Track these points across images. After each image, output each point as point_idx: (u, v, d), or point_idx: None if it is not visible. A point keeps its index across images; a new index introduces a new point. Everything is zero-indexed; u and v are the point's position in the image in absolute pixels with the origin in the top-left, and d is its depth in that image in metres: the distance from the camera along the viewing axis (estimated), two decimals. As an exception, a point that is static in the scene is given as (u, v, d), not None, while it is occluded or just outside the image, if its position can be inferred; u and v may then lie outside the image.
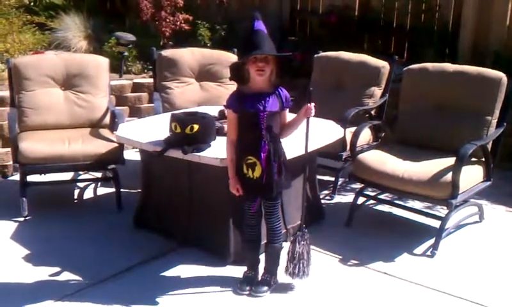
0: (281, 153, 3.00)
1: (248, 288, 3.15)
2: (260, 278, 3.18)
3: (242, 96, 2.93)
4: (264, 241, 3.24)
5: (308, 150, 3.47)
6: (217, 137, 3.42)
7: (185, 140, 3.26)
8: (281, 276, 3.21)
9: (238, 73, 2.91)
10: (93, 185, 4.62)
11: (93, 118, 4.45)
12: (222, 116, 3.83)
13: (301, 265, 3.10)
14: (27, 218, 3.97)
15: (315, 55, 5.00)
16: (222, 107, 4.02)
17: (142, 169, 3.86)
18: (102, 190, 4.54)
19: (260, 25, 2.87)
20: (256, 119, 2.89)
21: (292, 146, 3.16)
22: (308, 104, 2.96)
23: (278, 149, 2.98)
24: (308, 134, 3.04)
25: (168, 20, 6.19)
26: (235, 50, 4.91)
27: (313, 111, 2.97)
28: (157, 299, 3.09)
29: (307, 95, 3.01)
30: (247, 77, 2.89)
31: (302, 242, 3.11)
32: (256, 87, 2.90)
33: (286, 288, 3.19)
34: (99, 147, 4.06)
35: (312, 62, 4.98)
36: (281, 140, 3.01)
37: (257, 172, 2.93)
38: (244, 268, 3.23)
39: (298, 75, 5.45)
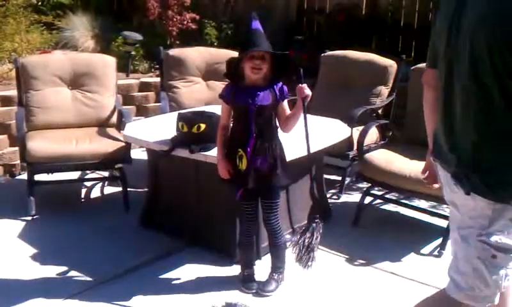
0: (275, 149, 2.95)
1: (252, 286, 3.16)
2: (267, 277, 3.18)
3: (236, 88, 2.94)
4: (264, 244, 3.27)
5: (315, 149, 3.47)
6: (224, 137, 3.42)
7: (192, 139, 3.27)
8: (288, 275, 3.21)
9: (235, 69, 2.92)
10: (100, 185, 4.64)
11: (100, 117, 4.46)
12: (229, 115, 3.83)
13: (312, 254, 3.00)
14: (34, 217, 3.99)
15: (322, 55, 4.99)
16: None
17: (149, 168, 3.87)
18: (109, 190, 4.56)
19: (257, 24, 2.89)
20: (246, 112, 2.89)
21: (297, 145, 3.15)
22: (300, 85, 2.84)
23: (270, 144, 2.93)
24: (306, 116, 2.85)
25: (174, 19, 6.20)
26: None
27: (306, 90, 2.81)
28: (164, 298, 3.10)
29: (297, 76, 2.89)
30: (241, 74, 2.90)
31: (316, 233, 3.00)
32: (250, 82, 2.91)
33: (292, 286, 3.19)
34: (106, 146, 4.07)
35: (318, 62, 4.97)
36: (279, 137, 3.00)
37: (243, 165, 2.93)
38: (240, 270, 3.25)
39: (305, 75, 5.45)
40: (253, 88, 2.90)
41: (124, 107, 4.90)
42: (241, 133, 2.94)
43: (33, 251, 3.57)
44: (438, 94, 2.06)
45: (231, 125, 3.03)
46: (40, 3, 6.31)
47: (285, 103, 2.98)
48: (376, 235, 3.87)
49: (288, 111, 2.99)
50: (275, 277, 3.17)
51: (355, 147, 4.22)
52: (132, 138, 3.73)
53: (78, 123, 4.41)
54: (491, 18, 1.77)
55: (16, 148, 4.49)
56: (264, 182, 2.97)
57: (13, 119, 4.59)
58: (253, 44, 2.83)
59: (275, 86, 2.93)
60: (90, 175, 4.70)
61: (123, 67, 5.74)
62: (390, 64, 4.67)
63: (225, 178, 2.98)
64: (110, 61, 4.62)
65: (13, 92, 4.70)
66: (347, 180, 4.59)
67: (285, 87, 2.96)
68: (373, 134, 4.47)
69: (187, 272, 3.36)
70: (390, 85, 4.67)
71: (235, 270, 3.34)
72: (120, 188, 4.25)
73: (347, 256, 3.58)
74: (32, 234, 3.79)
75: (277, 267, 3.18)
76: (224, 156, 3.00)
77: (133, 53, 5.99)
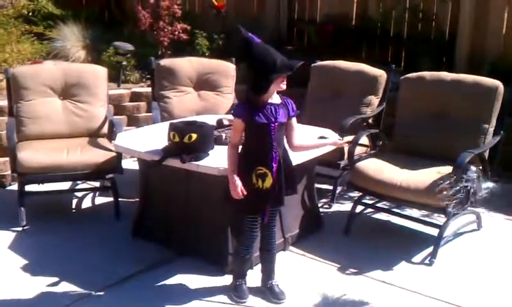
0: (289, 162, 3.04)
1: (244, 295, 3.17)
2: (275, 287, 3.19)
3: (251, 107, 2.91)
4: (256, 253, 3.28)
5: (306, 159, 3.50)
6: (216, 146, 3.43)
7: (184, 149, 3.27)
8: (280, 285, 3.22)
9: (267, 87, 2.88)
10: (91, 195, 4.62)
11: (92, 128, 4.46)
12: (220, 125, 3.85)
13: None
14: (25, 228, 3.97)
15: (313, 65, 5.02)
16: (220, 116, 4.04)
17: (140, 178, 3.86)
18: (100, 200, 4.54)
19: (256, 37, 2.91)
20: (267, 130, 2.90)
21: (291, 154, 3.16)
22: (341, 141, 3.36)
23: (286, 158, 3.02)
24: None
25: (166, 30, 6.21)
26: (234, 59, 4.93)
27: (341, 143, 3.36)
28: (156, 309, 3.09)
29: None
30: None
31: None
32: (267, 98, 2.91)
33: (284, 296, 3.19)
34: (97, 156, 4.07)
35: (309, 72, 5.00)
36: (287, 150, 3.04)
37: (268, 182, 2.93)
38: (232, 280, 3.24)
39: (295, 84, 5.47)
40: (269, 105, 2.91)
41: (115, 117, 4.90)
42: (261, 151, 2.93)
43: (24, 261, 3.55)
44: None
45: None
46: (30, 14, 6.29)
47: (294, 118, 3.04)
48: (367, 243, 3.88)
49: (295, 126, 3.05)
50: (276, 283, 3.20)
51: (346, 156, 4.23)
52: (123, 148, 3.73)
53: (69, 133, 4.40)
54: None
55: (7, 159, 4.47)
56: (278, 196, 3.01)
57: (4, 130, 4.57)
58: (287, 61, 2.88)
59: (287, 102, 2.98)
60: (81, 185, 4.69)
61: (114, 77, 5.74)
62: (380, 74, 4.70)
63: (238, 197, 2.93)
64: (101, 71, 4.62)
65: (3, 102, 4.69)
66: (339, 189, 4.61)
67: (293, 104, 3.02)
68: (364, 143, 4.49)
69: (178, 282, 3.36)
70: (380, 94, 4.70)
71: (226, 279, 3.34)
72: (111, 199, 4.24)
73: (338, 265, 3.59)
74: (22, 245, 3.77)
75: (273, 274, 3.22)
76: (238, 176, 2.95)
77: (124, 63, 5.99)
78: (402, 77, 4.38)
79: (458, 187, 3.35)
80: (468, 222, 4.06)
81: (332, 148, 3.79)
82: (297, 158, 3.27)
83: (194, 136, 3.28)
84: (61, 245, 3.77)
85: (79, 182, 4.68)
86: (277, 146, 2.94)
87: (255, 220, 3.08)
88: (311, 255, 3.69)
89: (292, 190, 3.10)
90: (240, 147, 3.00)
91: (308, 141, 3.21)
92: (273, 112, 2.90)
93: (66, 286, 3.27)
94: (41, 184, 4.23)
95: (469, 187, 3.44)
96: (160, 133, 3.61)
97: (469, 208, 4.01)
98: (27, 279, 3.34)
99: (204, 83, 4.87)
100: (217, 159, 3.24)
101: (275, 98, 2.95)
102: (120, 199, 4.20)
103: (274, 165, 2.93)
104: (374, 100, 4.69)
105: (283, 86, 2.91)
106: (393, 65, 4.94)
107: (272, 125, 2.90)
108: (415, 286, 3.34)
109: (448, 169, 3.64)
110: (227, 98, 4.85)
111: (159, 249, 3.66)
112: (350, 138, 3.11)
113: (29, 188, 4.14)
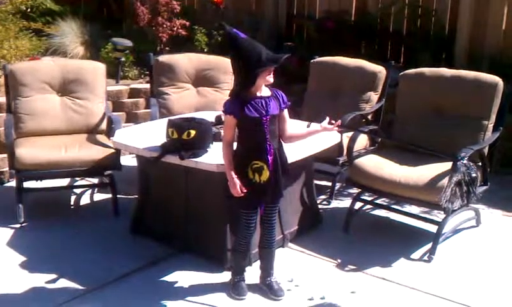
0: (284, 155, 3.04)
1: (243, 292, 3.17)
2: (274, 284, 3.19)
3: (242, 101, 2.90)
4: (254, 250, 3.27)
5: (305, 155, 3.49)
6: (214, 143, 3.43)
7: (182, 146, 3.27)
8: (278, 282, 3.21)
9: (248, 85, 2.88)
10: (89, 191, 4.61)
11: (90, 124, 4.45)
12: (219, 121, 3.83)
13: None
14: (23, 224, 3.96)
15: (312, 61, 5.01)
16: (219, 113, 4.02)
17: (139, 175, 3.85)
18: (99, 196, 4.53)
19: (241, 33, 2.89)
20: (260, 123, 2.90)
21: (289, 151, 3.16)
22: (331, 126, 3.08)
23: (281, 150, 3.02)
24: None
25: (164, 26, 6.19)
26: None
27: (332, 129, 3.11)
28: (154, 305, 3.09)
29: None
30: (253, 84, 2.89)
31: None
32: (256, 91, 2.91)
33: (283, 293, 3.18)
34: (96, 153, 4.06)
35: (308, 68, 4.98)
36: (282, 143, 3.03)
37: (264, 176, 2.93)
38: (231, 276, 3.24)
39: (295, 81, 5.46)
40: (260, 98, 2.91)
41: (114, 113, 4.88)
42: (256, 145, 2.93)
43: (22, 258, 3.54)
44: None
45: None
46: (29, 9, 6.27)
47: (286, 110, 3.03)
48: (366, 240, 3.88)
49: (287, 118, 3.04)
50: (276, 279, 3.21)
51: (345, 152, 4.22)
52: (121, 145, 3.72)
53: (67, 129, 4.39)
54: None
55: (5, 155, 4.46)
56: (275, 189, 3.01)
57: (2, 126, 4.56)
58: (272, 55, 2.85)
59: (277, 94, 2.98)
60: (80, 182, 4.68)
61: (113, 73, 5.72)
62: (379, 70, 4.69)
63: (238, 195, 2.93)
64: (100, 68, 4.61)
65: (1, 99, 4.68)
66: (338, 185, 4.60)
67: (284, 95, 3.01)
68: (363, 140, 4.48)
69: (177, 278, 3.35)
70: (380, 91, 4.69)
71: (225, 276, 3.34)
72: (109, 195, 4.24)
73: (337, 262, 3.58)
74: (21, 241, 3.76)
75: (272, 270, 3.21)
76: (235, 173, 2.94)
77: (123, 59, 5.98)
78: (401, 73, 4.37)
79: (454, 182, 3.33)
80: (467, 218, 4.06)
81: (330, 144, 3.80)
82: (295, 155, 3.26)
83: (193, 133, 3.28)
84: (59, 242, 3.77)
85: (77, 179, 4.67)
86: (271, 138, 2.93)
87: (252, 215, 3.07)
88: (310, 252, 3.69)
89: (285, 184, 3.10)
90: (235, 143, 3.00)
91: (299, 130, 3.16)
92: (264, 105, 2.90)
93: (64, 283, 3.27)
94: (39, 181, 4.22)
95: (462, 180, 3.39)
96: (158, 130, 3.60)
97: (468, 205, 4.02)
98: (25, 276, 3.34)
99: (203, 79, 4.86)
100: (215, 155, 3.23)
101: (265, 91, 2.94)
102: (118, 195, 4.19)
103: (269, 158, 2.93)
104: (373, 96, 4.68)
105: (270, 79, 2.90)
106: (393, 61, 4.92)
107: (264, 118, 2.90)
108: (414, 283, 3.34)
109: (447, 165, 3.63)
110: (226, 94, 4.80)
111: (158, 245, 3.66)
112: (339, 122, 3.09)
113: (27, 185, 4.14)
